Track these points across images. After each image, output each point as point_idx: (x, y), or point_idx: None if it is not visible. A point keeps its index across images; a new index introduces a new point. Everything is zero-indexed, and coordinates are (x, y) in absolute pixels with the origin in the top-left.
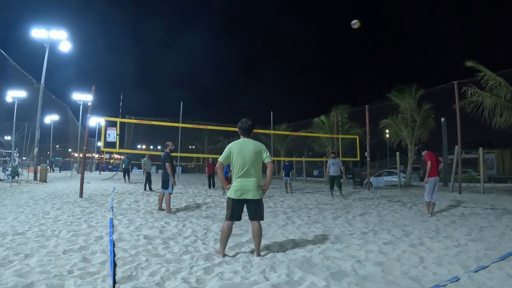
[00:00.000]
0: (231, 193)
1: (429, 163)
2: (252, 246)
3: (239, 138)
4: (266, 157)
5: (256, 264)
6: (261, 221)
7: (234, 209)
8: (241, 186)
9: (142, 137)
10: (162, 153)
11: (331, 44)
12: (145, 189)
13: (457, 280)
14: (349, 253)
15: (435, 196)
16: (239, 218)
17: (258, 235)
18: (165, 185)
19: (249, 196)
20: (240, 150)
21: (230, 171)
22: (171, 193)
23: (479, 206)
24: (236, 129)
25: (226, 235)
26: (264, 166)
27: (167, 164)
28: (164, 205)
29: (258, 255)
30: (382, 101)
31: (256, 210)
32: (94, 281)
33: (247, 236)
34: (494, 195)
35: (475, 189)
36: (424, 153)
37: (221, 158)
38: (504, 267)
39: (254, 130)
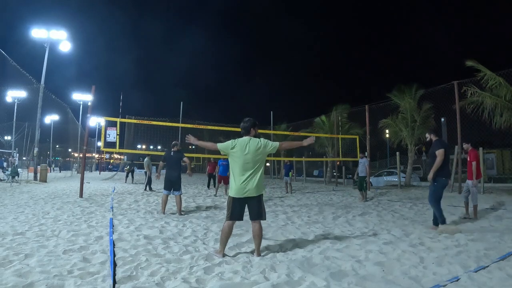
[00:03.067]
0: (232, 192)
1: (474, 164)
2: (252, 246)
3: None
4: (270, 148)
5: (256, 264)
6: (261, 221)
7: (235, 209)
8: (241, 185)
9: (142, 137)
10: (172, 153)
11: (331, 44)
12: (145, 189)
13: (457, 280)
14: (349, 253)
15: (470, 197)
16: (240, 218)
17: (258, 235)
18: (179, 187)
19: (250, 194)
20: (241, 149)
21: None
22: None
23: (479, 206)
24: (236, 129)
25: (227, 235)
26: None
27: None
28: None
29: (258, 255)
30: (382, 101)
31: (257, 208)
32: (94, 281)
33: (247, 236)
34: (494, 195)
35: None
36: (468, 149)
37: (220, 144)
38: (504, 267)
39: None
